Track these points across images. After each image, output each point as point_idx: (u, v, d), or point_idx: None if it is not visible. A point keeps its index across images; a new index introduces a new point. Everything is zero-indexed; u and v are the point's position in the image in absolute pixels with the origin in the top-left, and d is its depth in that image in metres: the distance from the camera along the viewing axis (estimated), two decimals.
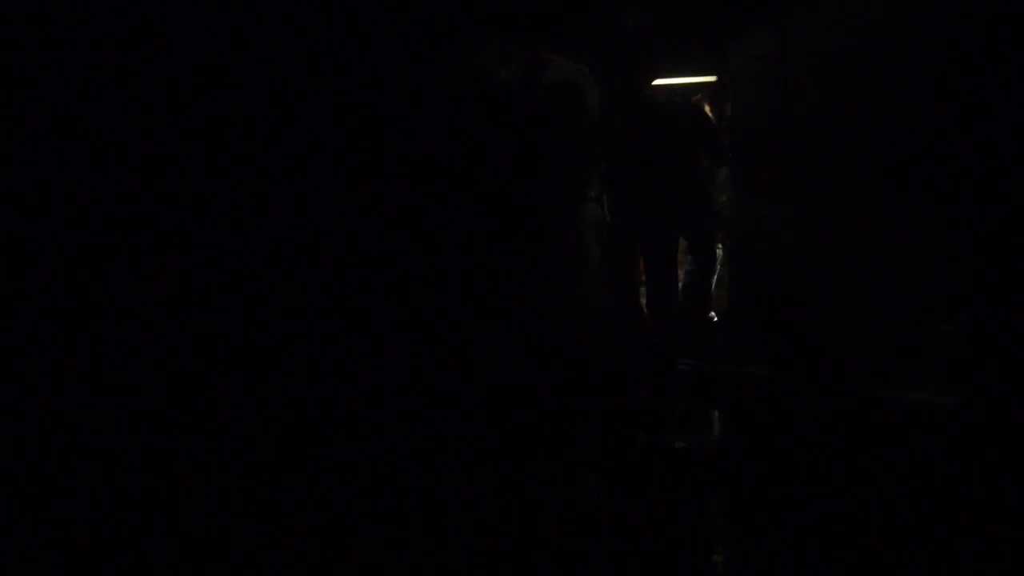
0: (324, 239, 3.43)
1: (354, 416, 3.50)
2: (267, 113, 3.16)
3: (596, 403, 4.58)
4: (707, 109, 5.34)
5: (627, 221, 5.42)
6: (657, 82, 5.52)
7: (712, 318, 5.56)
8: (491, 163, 4.41)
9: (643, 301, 5.73)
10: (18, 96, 2.48)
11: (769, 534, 2.67)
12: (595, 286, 5.36)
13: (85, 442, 2.60)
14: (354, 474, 3.09)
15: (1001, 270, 3.87)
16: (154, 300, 2.81)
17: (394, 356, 3.79)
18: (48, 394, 2.53)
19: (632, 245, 5.49)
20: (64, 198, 2.57)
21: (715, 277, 5.76)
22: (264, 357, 3.13)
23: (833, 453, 3.45)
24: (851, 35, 4.35)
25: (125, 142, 2.72)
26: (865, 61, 4.32)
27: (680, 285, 5.55)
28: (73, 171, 2.59)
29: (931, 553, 2.49)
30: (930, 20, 4.04)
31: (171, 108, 2.85)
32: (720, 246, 5.71)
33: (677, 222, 5.36)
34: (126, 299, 2.73)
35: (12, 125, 2.47)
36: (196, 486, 2.75)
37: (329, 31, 3.44)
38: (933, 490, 2.97)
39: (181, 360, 2.85)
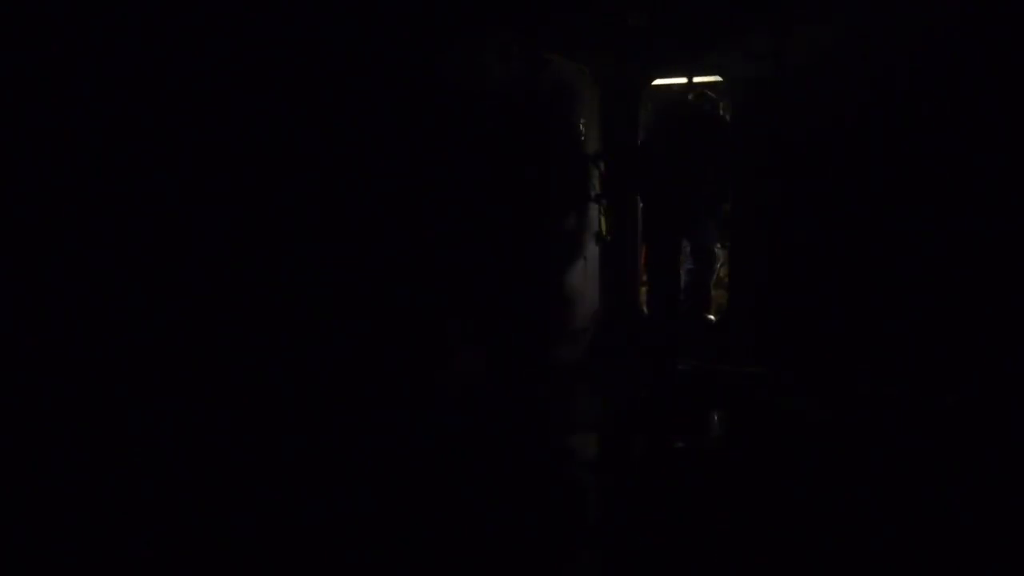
0: (320, 235, 3.43)
1: (348, 416, 3.49)
2: (264, 112, 3.17)
3: (596, 402, 4.58)
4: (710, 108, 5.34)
5: (629, 222, 5.43)
6: (657, 82, 5.53)
7: (711, 319, 5.56)
8: (490, 162, 4.41)
9: (643, 301, 5.74)
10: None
11: (770, 533, 2.67)
12: (594, 285, 5.36)
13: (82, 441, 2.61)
14: (349, 474, 3.09)
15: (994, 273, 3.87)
16: (147, 295, 2.81)
17: (392, 356, 3.79)
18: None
19: (633, 245, 5.50)
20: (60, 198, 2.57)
21: (714, 277, 5.77)
22: (250, 356, 3.12)
23: (833, 452, 3.45)
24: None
25: (130, 138, 2.73)
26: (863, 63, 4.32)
27: (681, 285, 5.55)
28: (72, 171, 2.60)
29: (930, 551, 2.49)
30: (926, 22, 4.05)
31: (176, 105, 2.84)
32: (719, 247, 5.70)
33: (679, 224, 5.37)
34: (122, 298, 2.73)
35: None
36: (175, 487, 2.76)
37: (327, 30, 3.43)
38: (931, 488, 2.97)
39: (167, 355, 2.85)
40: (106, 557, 2.34)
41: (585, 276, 5.25)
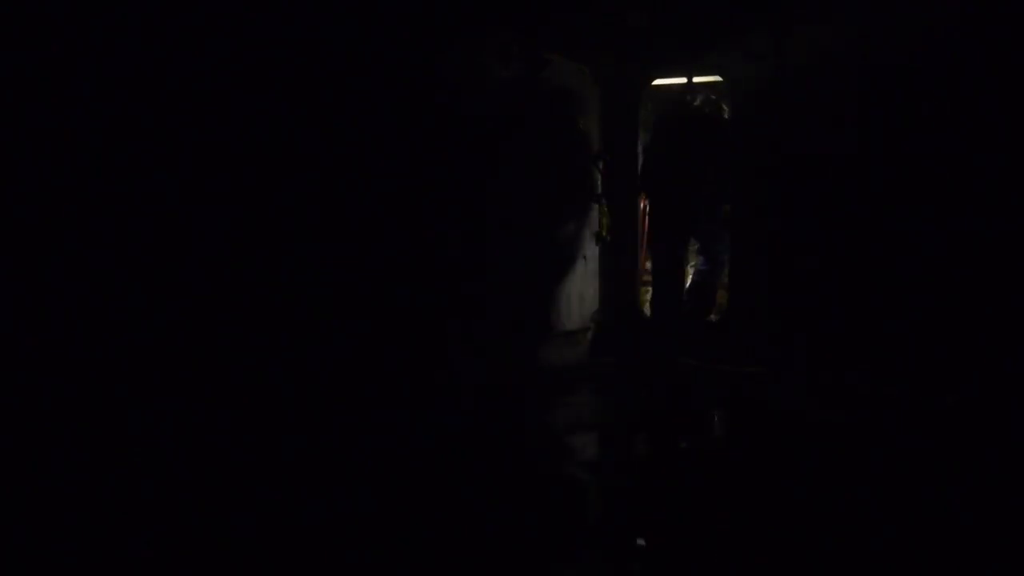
0: (320, 235, 3.43)
1: (348, 416, 3.50)
2: (263, 111, 3.17)
3: (596, 402, 4.58)
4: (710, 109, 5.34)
5: (629, 222, 5.43)
6: (657, 82, 5.53)
7: (712, 319, 5.56)
8: (490, 162, 4.41)
9: (644, 300, 5.75)
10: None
11: (770, 533, 2.67)
12: (594, 285, 5.36)
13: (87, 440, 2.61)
14: (349, 474, 3.09)
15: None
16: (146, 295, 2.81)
17: (392, 356, 3.79)
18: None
19: (633, 245, 5.50)
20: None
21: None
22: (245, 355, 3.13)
23: (833, 452, 3.45)
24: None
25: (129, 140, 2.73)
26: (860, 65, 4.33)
27: (688, 284, 5.55)
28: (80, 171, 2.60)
29: (931, 551, 2.49)
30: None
31: (176, 105, 2.85)
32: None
33: (680, 224, 5.36)
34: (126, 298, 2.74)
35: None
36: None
37: (327, 30, 3.43)
38: (931, 488, 2.97)
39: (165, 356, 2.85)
40: (106, 557, 2.34)
41: (585, 276, 5.25)
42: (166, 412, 2.79)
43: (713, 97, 5.39)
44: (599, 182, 5.22)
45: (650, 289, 5.75)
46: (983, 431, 3.59)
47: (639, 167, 5.38)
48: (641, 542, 2.72)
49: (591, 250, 5.26)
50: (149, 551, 2.37)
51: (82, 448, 2.57)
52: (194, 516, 2.61)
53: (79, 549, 2.34)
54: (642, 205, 5.77)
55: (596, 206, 5.22)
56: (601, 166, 5.22)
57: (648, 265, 6.02)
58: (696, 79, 5.36)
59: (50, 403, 2.50)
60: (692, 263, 5.65)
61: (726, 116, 5.34)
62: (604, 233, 5.22)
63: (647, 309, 5.64)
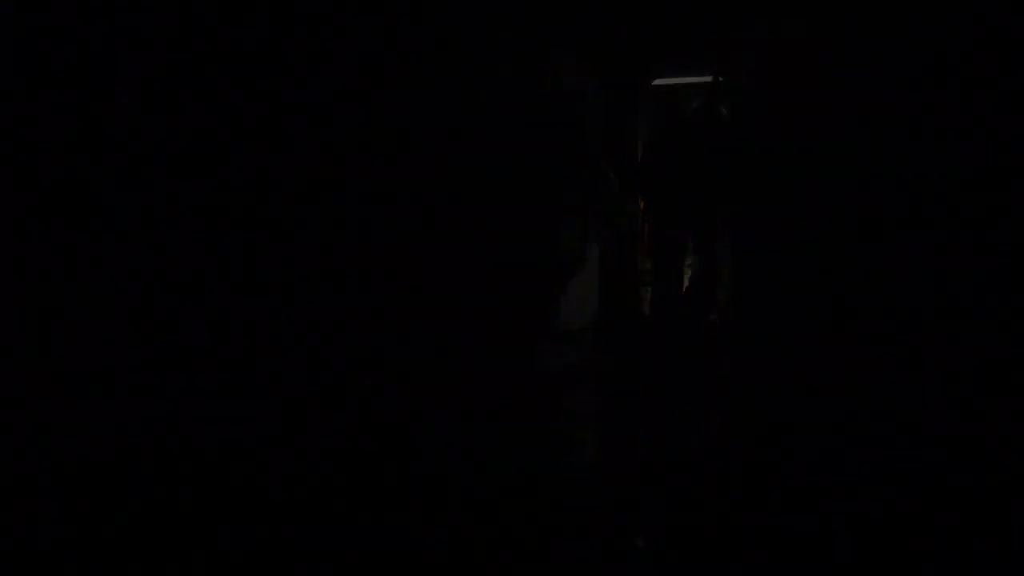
0: (321, 234, 3.43)
1: (348, 416, 3.50)
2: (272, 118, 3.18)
3: (596, 402, 4.59)
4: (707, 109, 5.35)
5: (632, 221, 5.45)
6: (657, 82, 5.54)
7: (712, 318, 5.57)
8: (490, 162, 4.42)
9: (644, 300, 5.75)
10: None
11: (770, 533, 2.67)
12: (594, 285, 5.37)
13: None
14: (349, 475, 3.09)
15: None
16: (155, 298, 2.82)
17: (392, 355, 3.80)
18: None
19: (633, 245, 5.51)
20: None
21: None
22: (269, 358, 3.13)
23: (833, 452, 3.45)
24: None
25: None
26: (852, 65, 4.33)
27: (687, 284, 5.55)
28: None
29: (930, 551, 2.49)
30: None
31: (188, 105, 2.85)
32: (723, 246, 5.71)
33: (681, 224, 5.37)
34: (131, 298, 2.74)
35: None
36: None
37: (328, 31, 3.44)
38: (931, 488, 2.98)
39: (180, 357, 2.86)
40: (105, 557, 2.34)
41: (585, 276, 5.26)
42: (165, 412, 2.79)
43: (712, 97, 5.39)
44: (599, 182, 5.22)
45: (650, 289, 5.75)
46: (983, 431, 3.59)
47: (639, 167, 5.39)
48: (641, 542, 2.72)
49: (591, 250, 5.26)
50: (149, 551, 2.37)
51: (79, 449, 2.57)
52: (193, 517, 2.61)
53: (77, 549, 2.34)
54: (642, 205, 5.77)
55: (596, 206, 5.23)
56: (601, 166, 5.23)
57: (648, 265, 6.03)
58: (695, 79, 5.37)
59: (49, 402, 2.51)
60: (691, 263, 5.65)
61: (725, 116, 5.35)
62: (605, 232, 5.23)
63: (647, 309, 5.65)
